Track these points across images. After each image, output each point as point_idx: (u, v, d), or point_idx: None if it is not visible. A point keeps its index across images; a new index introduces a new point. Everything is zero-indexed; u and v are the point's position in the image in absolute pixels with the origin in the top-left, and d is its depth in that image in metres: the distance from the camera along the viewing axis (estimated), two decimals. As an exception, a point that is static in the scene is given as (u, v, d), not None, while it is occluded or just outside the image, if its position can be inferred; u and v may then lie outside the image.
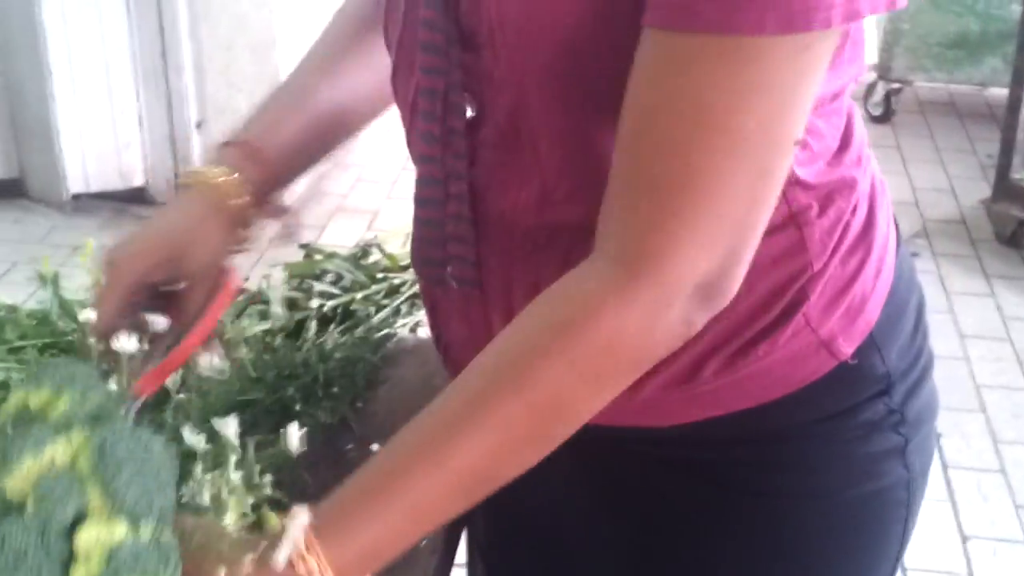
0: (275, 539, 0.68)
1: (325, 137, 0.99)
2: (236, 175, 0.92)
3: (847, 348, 0.84)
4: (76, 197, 3.60)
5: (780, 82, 0.66)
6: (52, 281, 1.08)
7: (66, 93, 3.53)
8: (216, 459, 0.75)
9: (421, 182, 0.86)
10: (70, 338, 1.07)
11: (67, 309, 1.09)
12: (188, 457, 0.75)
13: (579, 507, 0.95)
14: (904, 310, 0.89)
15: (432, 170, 0.84)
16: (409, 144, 0.87)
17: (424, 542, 0.91)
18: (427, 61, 0.79)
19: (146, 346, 0.86)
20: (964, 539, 2.35)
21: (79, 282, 1.11)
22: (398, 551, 0.71)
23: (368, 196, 3.92)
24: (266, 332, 1.14)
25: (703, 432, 0.85)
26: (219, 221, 0.91)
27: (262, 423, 1.00)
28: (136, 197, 3.64)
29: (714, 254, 0.69)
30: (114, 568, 0.62)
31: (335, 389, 1.05)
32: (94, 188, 3.60)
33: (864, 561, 0.90)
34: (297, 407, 1.02)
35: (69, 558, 0.63)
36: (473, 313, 0.87)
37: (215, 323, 0.91)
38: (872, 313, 0.85)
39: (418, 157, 0.85)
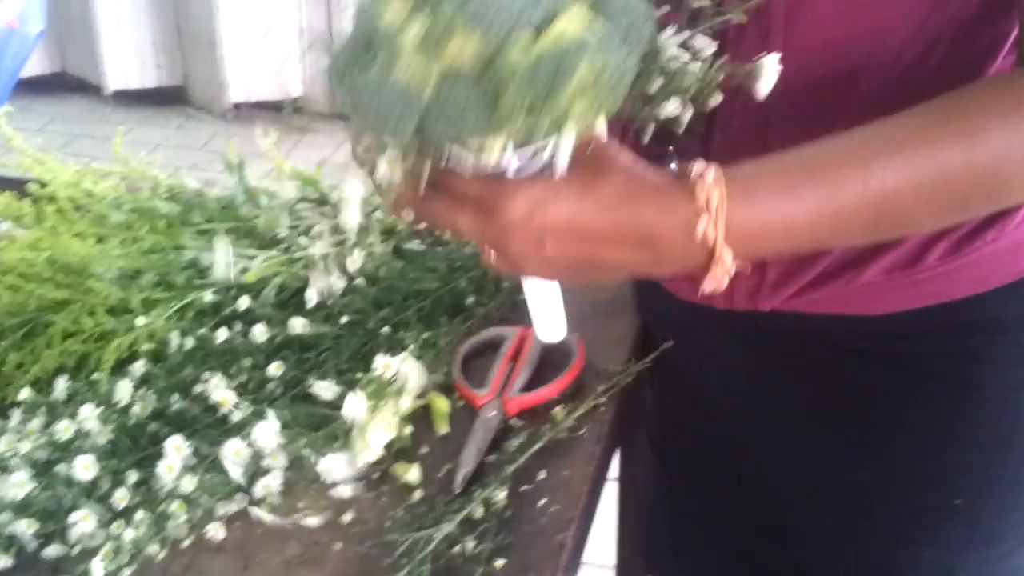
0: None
1: None
2: None
3: None
4: (237, 106, 3.72)
5: None
6: (238, 168, 1.12)
7: (230, 5, 3.62)
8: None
9: None
10: (253, 223, 1.12)
11: (251, 195, 1.13)
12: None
13: (765, 400, 0.96)
14: None
15: None
16: None
17: (584, 430, 0.94)
18: None
19: None
20: None
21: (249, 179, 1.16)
22: (786, 245, 0.68)
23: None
24: (436, 226, 1.17)
25: (915, 322, 0.84)
26: None
27: (435, 313, 1.04)
28: (295, 107, 3.74)
29: None
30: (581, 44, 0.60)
31: (505, 284, 1.07)
32: (254, 97, 3.70)
33: None
34: (469, 300, 1.05)
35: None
36: None
37: None
38: None
39: None
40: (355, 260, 1.07)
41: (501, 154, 0.63)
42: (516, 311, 1.07)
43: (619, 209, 0.65)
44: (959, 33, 0.73)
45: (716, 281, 0.67)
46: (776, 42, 0.74)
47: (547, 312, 0.77)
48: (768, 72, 0.66)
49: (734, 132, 0.80)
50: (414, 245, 1.13)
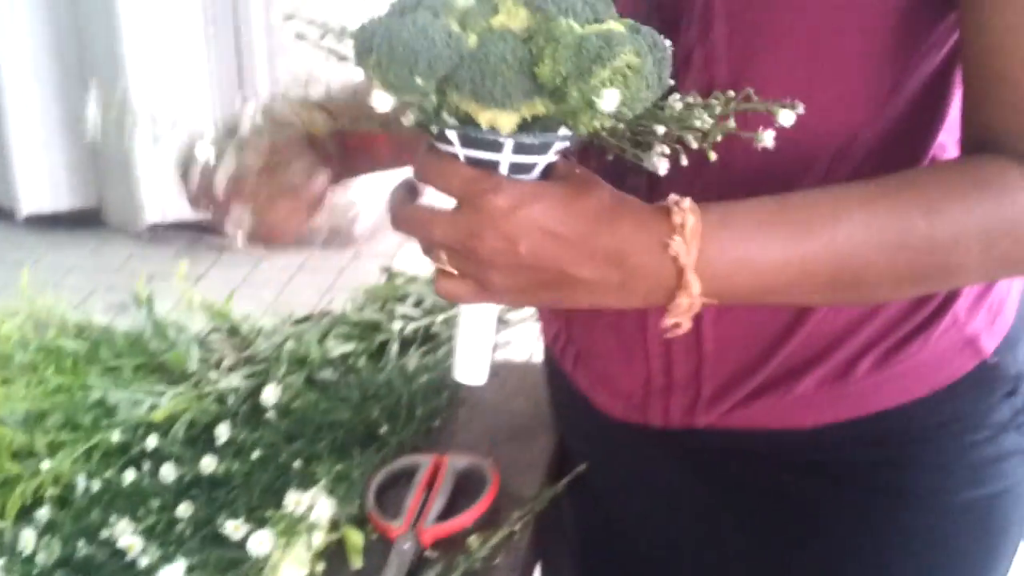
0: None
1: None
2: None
3: (989, 346, 0.86)
4: (152, 227, 3.69)
5: None
6: (147, 302, 1.12)
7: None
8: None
9: None
10: (163, 359, 1.11)
11: (160, 330, 1.13)
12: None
13: (695, 516, 0.96)
14: None
15: None
16: None
17: (499, 559, 0.93)
18: None
19: None
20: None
21: (162, 306, 1.16)
22: (751, 286, 0.70)
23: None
24: (348, 354, 1.17)
25: (846, 433, 0.86)
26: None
27: (348, 443, 1.03)
28: (211, 227, 3.72)
29: None
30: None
31: (419, 412, 1.07)
32: (170, 218, 3.68)
33: (985, 560, 0.91)
34: (383, 429, 1.05)
35: None
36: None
37: None
38: (1010, 312, 0.87)
39: None
40: (272, 393, 1.07)
41: (512, 130, 0.64)
42: (429, 438, 1.07)
43: (598, 222, 0.67)
44: (886, 137, 0.77)
45: (679, 313, 0.69)
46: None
47: (474, 350, 0.75)
48: (768, 138, 0.68)
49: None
50: (327, 374, 1.13)
